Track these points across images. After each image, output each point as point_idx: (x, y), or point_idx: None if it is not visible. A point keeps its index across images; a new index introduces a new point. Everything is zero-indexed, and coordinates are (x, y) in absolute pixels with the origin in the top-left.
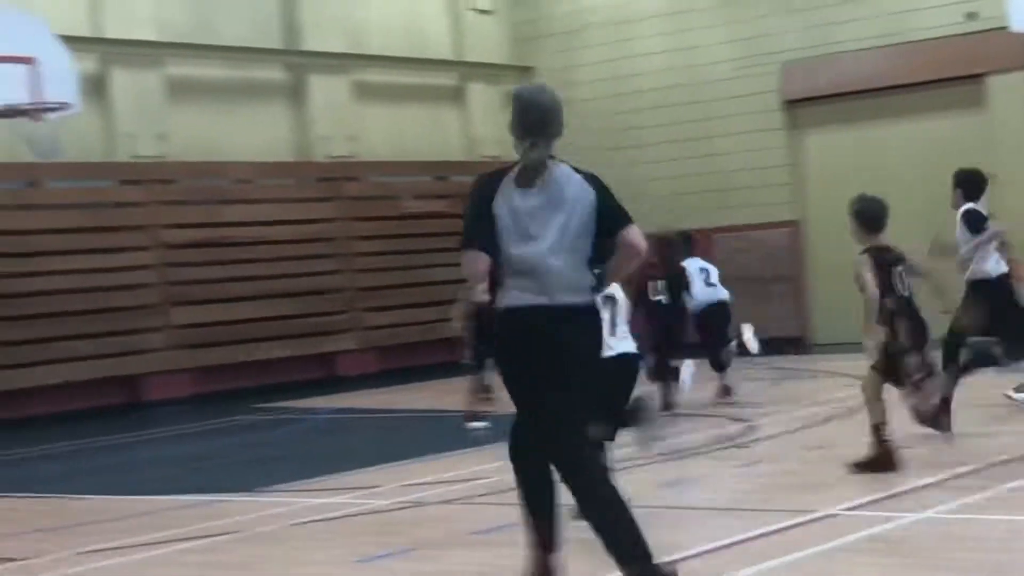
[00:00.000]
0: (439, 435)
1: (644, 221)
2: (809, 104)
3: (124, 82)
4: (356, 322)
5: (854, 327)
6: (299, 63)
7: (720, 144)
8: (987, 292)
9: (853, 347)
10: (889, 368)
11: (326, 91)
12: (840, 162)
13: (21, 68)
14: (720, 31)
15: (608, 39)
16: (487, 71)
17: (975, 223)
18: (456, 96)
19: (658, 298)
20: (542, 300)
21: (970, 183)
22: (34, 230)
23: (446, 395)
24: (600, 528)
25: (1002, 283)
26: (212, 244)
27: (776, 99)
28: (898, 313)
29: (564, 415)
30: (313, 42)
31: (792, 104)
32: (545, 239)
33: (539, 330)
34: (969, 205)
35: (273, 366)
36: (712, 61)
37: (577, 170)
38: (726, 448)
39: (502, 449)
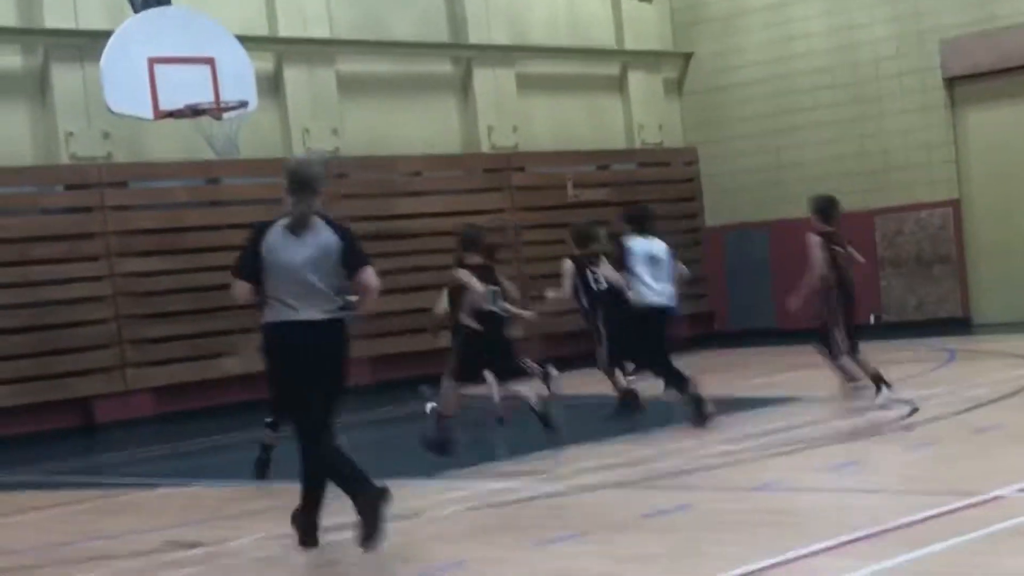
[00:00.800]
0: (605, 421)
1: (804, 205)
2: (970, 81)
3: (298, 79)
4: (525, 310)
5: (1018, 306)
6: (465, 56)
7: (880, 124)
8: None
9: (1017, 327)
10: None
11: (491, 83)
12: (1002, 139)
13: (202, 69)
14: (879, 10)
15: (767, 22)
16: (648, 59)
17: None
18: (617, 85)
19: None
20: (306, 315)
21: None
22: (215, 226)
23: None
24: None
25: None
26: (384, 236)
27: (937, 77)
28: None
29: (335, 405)
30: (478, 35)
31: (953, 81)
32: (309, 271)
33: (315, 336)
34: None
35: (445, 354)
36: (872, 40)
37: (329, 221)
38: (890, 431)
39: (666, 434)
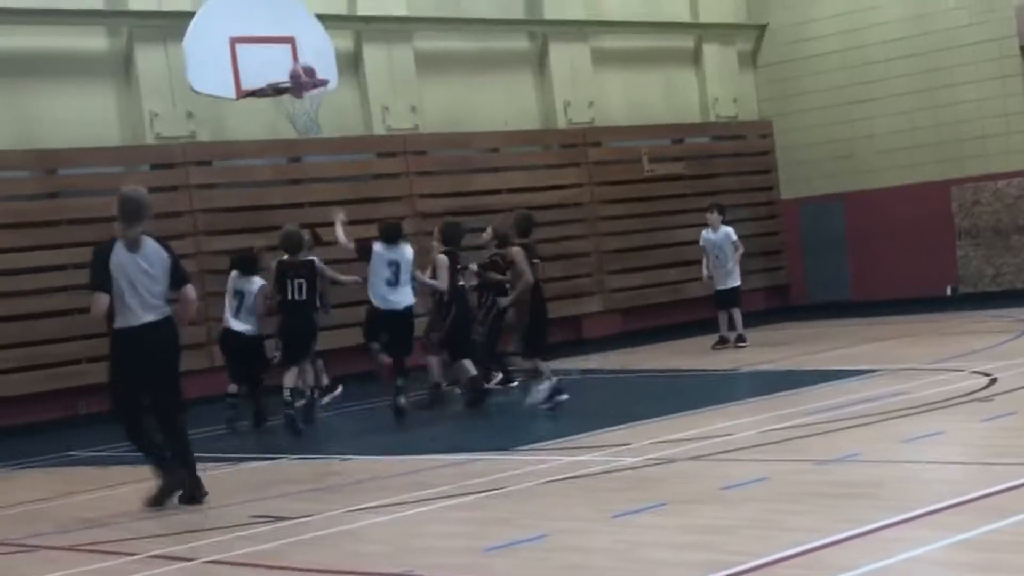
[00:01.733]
0: (683, 393)
1: (879, 177)
2: None
3: (377, 58)
4: (601, 285)
5: None
6: (541, 32)
7: (955, 93)
8: None
9: None
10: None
11: (567, 59)
12: None
13: (282, 48)
14: None
15: None
16: (722, 31)
17: None
18: (692, 58)
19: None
20: (148, 318)
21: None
22: (297, 203)
23: (689, 354)
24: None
25: None
26: (463, 212)
27: (1013, 45)
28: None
29: (177, 386)
30: (553, 11)
31: None
32: (145, 282)
33: (152, 334)
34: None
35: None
36: (946, 9)
37: (158, 240)
38: (968, 403)
39: (743, 406)
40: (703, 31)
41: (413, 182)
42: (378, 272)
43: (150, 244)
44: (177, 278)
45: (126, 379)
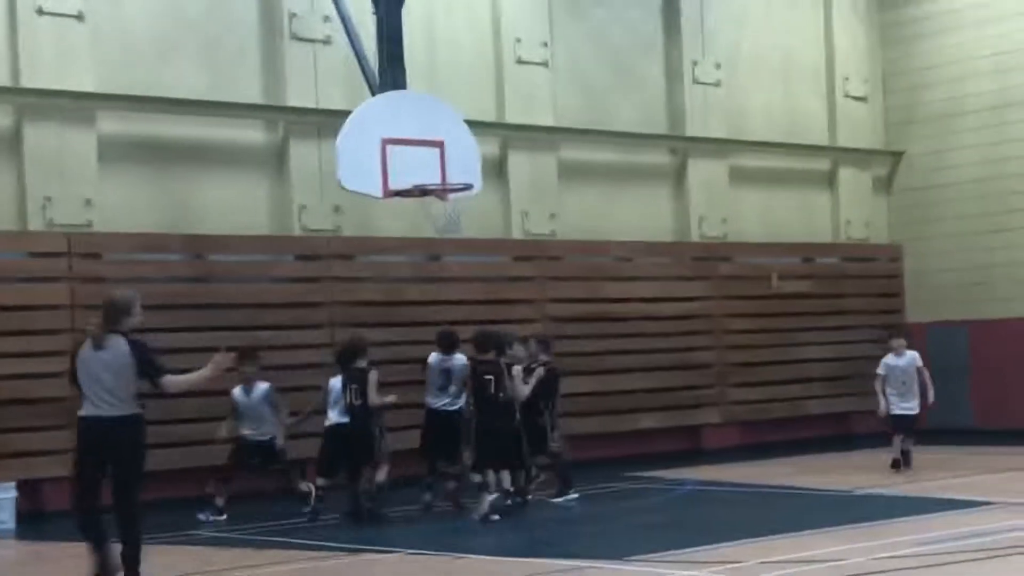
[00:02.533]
0: (797, 512)
1: (1007, 306)
2: None
3: (521, 164)
4: (722, 397)
5: None
6: (682, 148)
7: None
8: None
9: None
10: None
11: (705, 174)
12: None
13: (431, 151)
14: None
15: (982, 124)
16: (858, 156)
17: None
18: (827, 180)
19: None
20: (94, 412)
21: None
22: (432, 301)
23: (806, 472)
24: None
25: None
26: (593, 318)
27: None
28: None
29: (131, 483)
30: (696, 128)
31: None
32: (104, 376)
33: (105, 429)
34: None
35: (642, 436)
36: None
37: (130, 340)
38: None
39: (858, 530)
40: (840, 155)
41: (546, 286)
42: (432, 380)
43: (117, 343)
44: (150, 372)
45: (79, 468)
